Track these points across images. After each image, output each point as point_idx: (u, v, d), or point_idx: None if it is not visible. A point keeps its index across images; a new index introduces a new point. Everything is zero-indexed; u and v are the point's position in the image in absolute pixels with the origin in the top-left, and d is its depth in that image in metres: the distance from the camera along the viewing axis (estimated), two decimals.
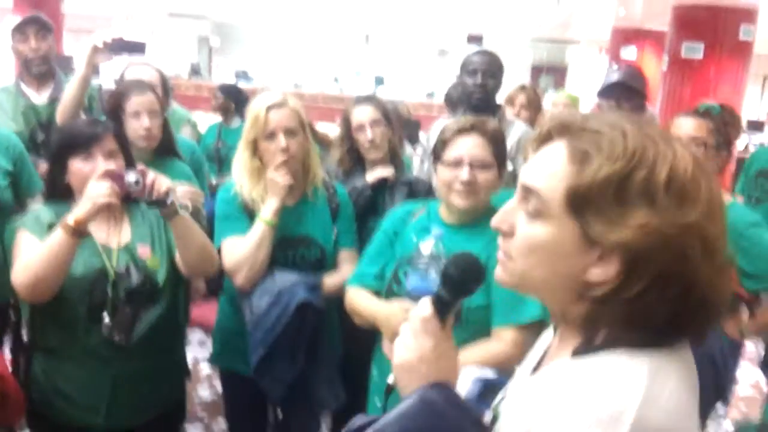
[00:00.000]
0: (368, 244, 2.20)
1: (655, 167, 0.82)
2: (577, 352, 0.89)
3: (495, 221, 0.95)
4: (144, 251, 2.07)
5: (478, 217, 2.03)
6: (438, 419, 0.92)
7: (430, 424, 0.92)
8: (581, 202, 0.84)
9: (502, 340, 1.90)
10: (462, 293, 1.02)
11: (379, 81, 15.39)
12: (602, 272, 0.84)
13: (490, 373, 1.24)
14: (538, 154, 0.94)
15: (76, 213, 1.86)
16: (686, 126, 2.53)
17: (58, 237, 1.86)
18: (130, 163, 2.09)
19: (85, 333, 1.98)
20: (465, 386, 1.20)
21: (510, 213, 0.93)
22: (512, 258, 0.92)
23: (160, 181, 1.95)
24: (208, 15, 16.63)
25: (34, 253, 1.89)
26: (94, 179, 1.89)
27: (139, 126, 2.56)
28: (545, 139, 0.94)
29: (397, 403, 0.96)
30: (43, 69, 3.26)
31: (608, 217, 0.82)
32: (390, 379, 1.05)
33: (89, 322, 1.97)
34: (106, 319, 1.96)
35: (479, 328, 1.93)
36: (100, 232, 2.03)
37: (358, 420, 1.00)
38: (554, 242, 0.87)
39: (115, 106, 2.59)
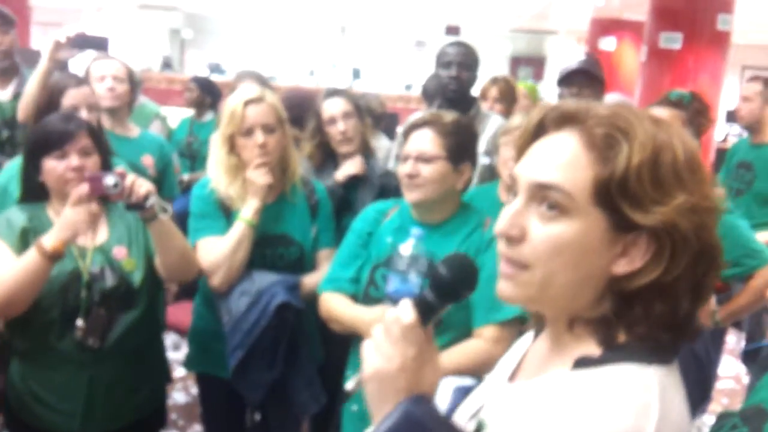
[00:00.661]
0: (340, 246, 2.15)
1: (675, 147, 0.81)
2: (580, 363, 0.83)
3: (502, 228, 0.86)
4: (120, 252, 2.03)
5: (451, 216, 2.01)
6: None
7: None
8: (616, 190, 0.80)
9: (483, 338, 1.87)
10: (451, 299, 0.92)
11: (356, 73, 15.33)
12: (628, 262, 0.82)
13: (469, 381, 1.17)
14: (538, 147, 0.88)
15: (55, 238, 1.82)
16: (660, 115, 2.51)
17: (33, 259, 1.82)
18: (106, 158, 2.06)
19: (59, 336, 1.94)
20: (445, 396, 1.14)
21: (518, 216, 0.85)
22: (529, 266, 0.84)
23: (139, 184, 1.90)
24: (180, 6, 16.40)
25: (7, 272, 1.85)
26: (72, 199, 1.84)
27: None
28: (539, 131, 0.89)
29: (359, 413, 0.88)
30: (6, 64, 3.19)
31: (645, 201, 0.80)
32: (350, 385, 0.95)
33: (63, 326, 1.93)
34: (80, 322, 1.92)
35: (461, 331, 1.89)
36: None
37: None
38: (582, 238, 0.82)
39: (49, 99, 2.50)
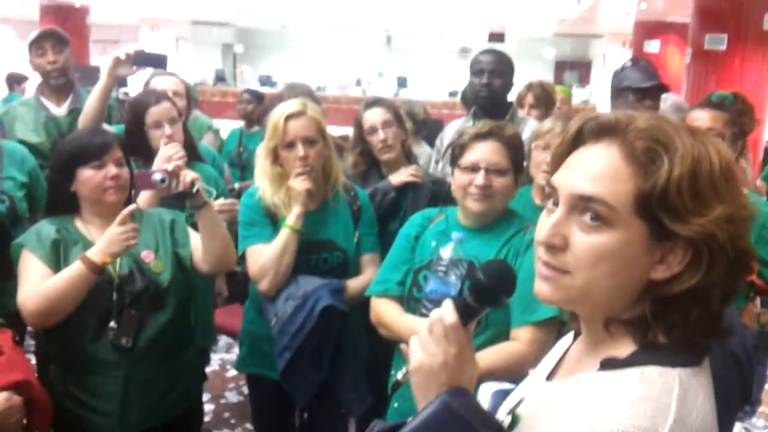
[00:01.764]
0: (390, 250, 2.21)
1: (712, 159, 0.84)
2: (605, 365, 0.88)
3: (545, 237, 0.89)
4: (148, 256, 2.12)
5: (495, 221, 2.05)
6: (461, 427, 0.90)
7: None
8: (657, 203, 0.83)
9: (518, 339, 1.91)
10: (490, 303, 0.98)
11: (402, 82, 15.40)
12: (666, 268, 0.85)
13: (508, 386, 1.22)
14: (578, 158, 0.91)
15: (103, 253, 1.94)
16: (702, 118, 2.51)
17: (79, 273, 1.93)
18: (130, 169, 2.18)
19: (93, 339, 2.02)
20: (485, 399, 1.19)
21: (560, 225, 0.88)
22: (572, 272, 0.88)
23: (184, 173, 2.04)
24: (232, 22, 16.77)
25: (49, 284, 1.95)
26: (119, 219, 1.96)
27: (161, 134, 2.62)
28: (577, 141, 0.92)
29: (407, 403, 0.95)
30: (61, 81, 3.33)
31: (685, 212, 0.83)
32: (399, 376, 1.04)
33: (96, 328, 2.02)
34: (113, 323, 2.01)
35: (500, 330, 1.94)
36: None
37: (376, 426, 1.00)
38: (623, 248, 0.85)
39: (135, 118, 2.66)
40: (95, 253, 1.94)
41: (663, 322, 0.86)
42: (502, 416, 1.03)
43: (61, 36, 3.37)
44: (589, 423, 0.80)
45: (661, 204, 0.83)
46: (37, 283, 1.97)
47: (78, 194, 2.10)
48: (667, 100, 3.54)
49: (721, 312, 0.87)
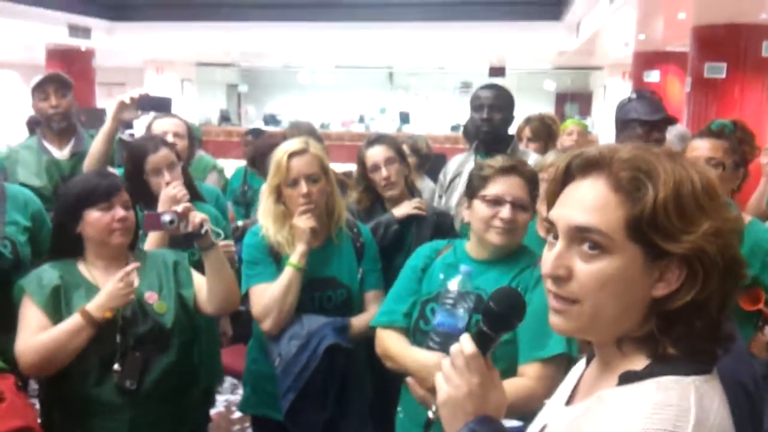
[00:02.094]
0: (396, 281, 2.21)
1: (693, 179, 0.90)
2: (624, 379, 0.92)
3: (550, 269, 0.95)
4: (151, 297, 2.13)
5: (507, 254, 2.05)
6: None
7: None
8: (647, 226, 0.89)
9: (526, 375, 1.89)
10: (504, 328, 1.04)
11: (404, 117, 15.50)
12: (665, 285, 0.90)
13: (515, 423, 1.26)
14: (570, 193, 0.97)
15: (103, 307, 1.96)
16: (702, 147, 2.50)
17: (78, 325, 1.96)
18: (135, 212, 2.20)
19: (97, 382, 2.02)
20: None
21: (561, 257, 0.94)
22: (579, 300, 0.93)
23: (193, 214, 2.07)
24: (236, 62, 16.99)
25: (49, 336, 1.97)
26: (120, 275, 1.98)
27: (161, 181, 2.65)
28: (567, 177, 0.99)
29: None
30: (63, 125, 3.36)
31: (674, 232, 0.88)
32: (430, 414, 1.07)
33: (100, 371, 2.02)
34: (117, 366, 2.01)
35: (508, 364, 1.92)
36: (108, 281, 2.06)
37: None
38: (623, 271, 0.90)
39: (134, 166, 2.69)
40: (95, 308, 1.97)
41: (670, 335, 0.91)
42: None
43: (64, 80, 3.42)
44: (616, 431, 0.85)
45: (651, 226, 0.88)
46: (35, 333, 1.98)
47: (83, 236, 2.10)
48: (672, 130, 3.55)
49: (720, 320, 0.92)
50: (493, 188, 2.00)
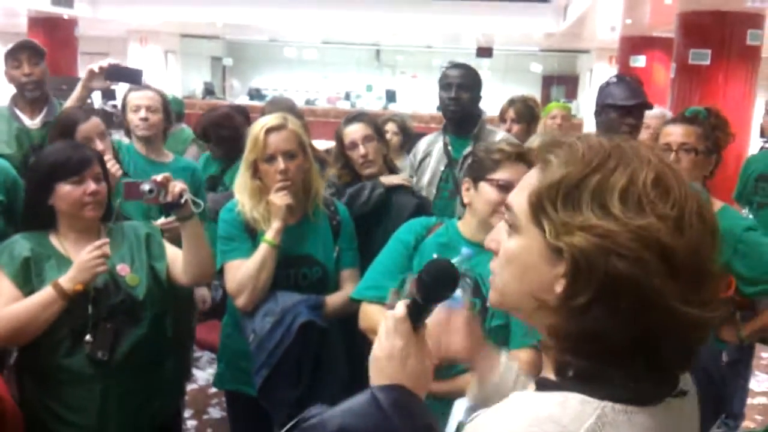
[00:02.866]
0: (382, 254, 2.17)
1: (613, 174, 0.80)
2: (539, 384, 0.87)
3: (486, 241, 0.96)
4: (123, 270, 2.13)
5: None
6: (381, 420, 0.94)
7: (372, 424, 0.94)
8: (537, 205, 0.84)
9: (517, 359, 1.86)
10: (434, 299, 1.07)
11: (391, 96, 15.44)
12: (558, 285, 0.82)
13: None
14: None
15: (75, 280, 1.96)
16: (675, 133, 2.52)
17: (51, 299, 1.96)
18: (109, 184, 2.19)
19: (69, 353, 2.02)
20: (459, 414, 1.22)
21: (497, 232, 0.94)
22: (495, 273, 0.94)
23: (173, 184, 2.07)
24: (221, 35, 16.80)
25: (20, 307, 1.97)
26: (87, 250, 1.98)
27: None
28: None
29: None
30: (36, 94, 3.30)
31: (560, 220, 0.81)
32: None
33: (72, 342, 2.02)
34: (88, 337, 2.01)
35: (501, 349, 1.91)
36: (79, 253, 2.05)
37: (314, 410, 1.02)
38: (523, 252, 0.87)
39: (64, 136, 2.64)
40: (66, 281, 1.96)
41: (561, 342, 0.83)
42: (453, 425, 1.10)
43: (37, 48, 3.36)
44: None
45: (540, 207, 0.83)
46: (6, 304, 1.98)
47: (55, 208, 2.09)
48: (653, 113, 3.54)
49: (632, 355, 0.79)
50: (505, 173, 1.98)
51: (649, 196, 0.78)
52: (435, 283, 1.06)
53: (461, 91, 3.13)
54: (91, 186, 2.06)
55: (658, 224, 0.77)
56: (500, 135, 3.27)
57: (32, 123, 3.31)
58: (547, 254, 0.83)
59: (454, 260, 1.91)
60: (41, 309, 1.95)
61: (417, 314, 1.05)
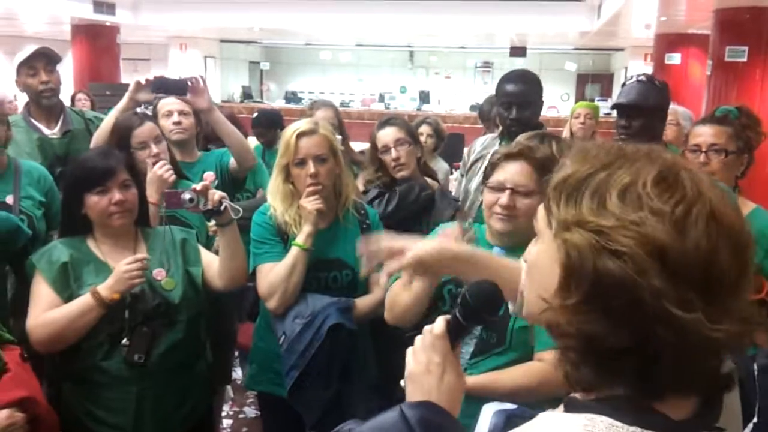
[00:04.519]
0: None
1: (617, 172, 0.78)
2: (567, 405, 0.84)
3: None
4: (159, 274, 2.18)
5: (525, 243, 2.03)
6: None
7: None
8: (546, 205, 0.84)
9: (544, 360, 1.86)
10: (476, 321, 1.07)
11: (424, 97, 15.43)
12: None
13: (510, 406, 1.25)
14: None
15: (113, 290, 2.02)
16: (704, 134, 2.48)
17: (88, 305, 2.02)
18: (141, 191, 2.25)
19: (106, 356, 2.08)
20: (486, 420, 1.22)
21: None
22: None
23: (212, 192, 2.12)
24: (258, 40, 17.00)
25: (59, 313, 2.03)
26: (126, 261, 2.04)
27: (147, 155, 2.71)
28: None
29: None
30: (53, 101, 3.29)
31: (561, 216, 0.79)
32: (402, 383, 1.09)
33: (110, 346, 2.08)
34: (125, 340, 2.07)
35: (524, 352, 1.91)
36: (116, 257, 2.12)
37: (347, 425, 1.02)
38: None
39: (120, 141, 2.72)
40: (104, 289, 2.02)
41: (563, 348, 0.82)
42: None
43: (53, 56, 3.33)
44: None
45: (547, 206, 0.83)
46: (45, 309, 2.05)
47: (89, 216, 2.16)
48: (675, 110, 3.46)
49: (632, 362, 0.76)
50: (497, 174, 1.99)
51: (650, 193, 0.75)
52: (479, 307, 1.06)
53: (522, 111, 2.95)
54: (116, 196, 2.10)
55: (653, 221, 0.73)
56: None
57: (51, 132, 3.29)
58: (554, 254, 0.80)
59: None
60: (79, 316, 2.02)
61: (456, 333, 1.05)
